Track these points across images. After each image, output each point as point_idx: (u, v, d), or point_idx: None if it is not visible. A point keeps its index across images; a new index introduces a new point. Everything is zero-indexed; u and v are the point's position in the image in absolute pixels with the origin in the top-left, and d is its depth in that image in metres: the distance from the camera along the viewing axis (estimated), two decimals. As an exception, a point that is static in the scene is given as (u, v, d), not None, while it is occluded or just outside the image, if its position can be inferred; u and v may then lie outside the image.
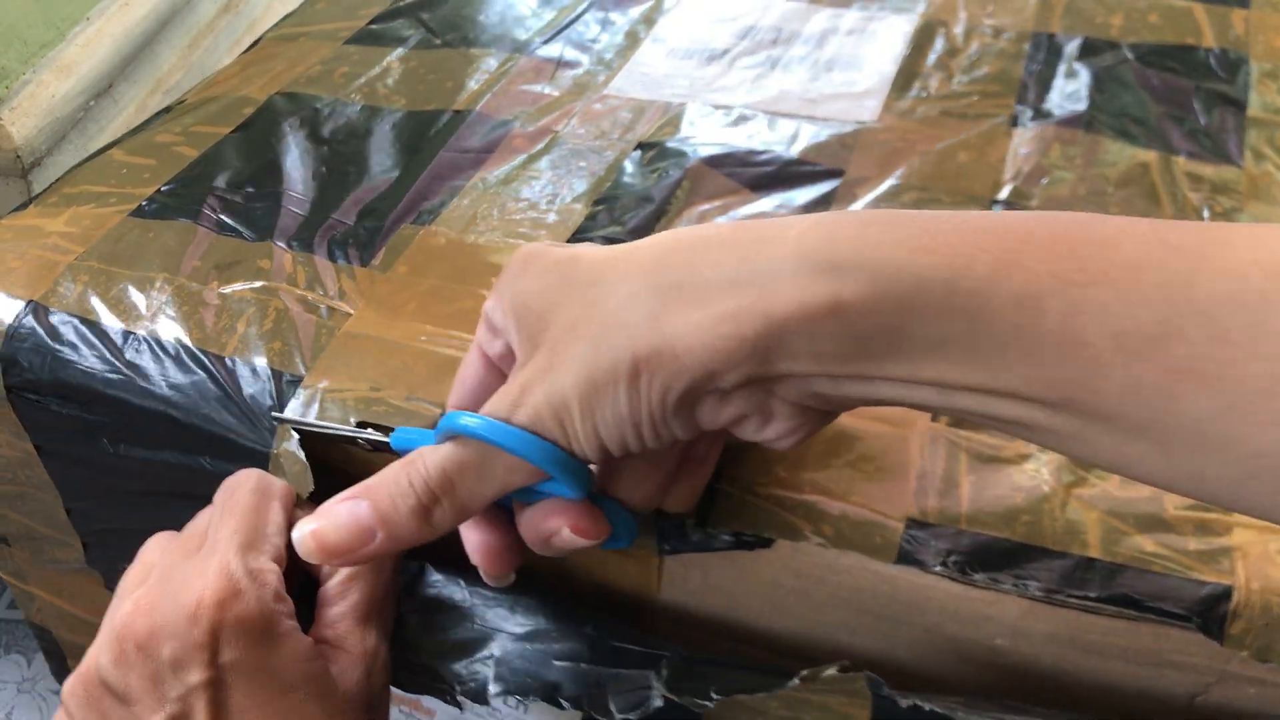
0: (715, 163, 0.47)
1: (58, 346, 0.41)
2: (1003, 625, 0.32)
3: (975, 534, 0.33)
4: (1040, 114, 0.49)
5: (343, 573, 0.34)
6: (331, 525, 0.29)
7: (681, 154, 0.48)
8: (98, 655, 0.31)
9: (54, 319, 0.42)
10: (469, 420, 0.29)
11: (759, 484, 0.34)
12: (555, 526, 0.30)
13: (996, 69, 0.53)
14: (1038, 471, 0.34)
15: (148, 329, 0.41)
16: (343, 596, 0.33)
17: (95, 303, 0.43)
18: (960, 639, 0.33)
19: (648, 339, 0.26)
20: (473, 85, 0.55)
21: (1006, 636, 0.33)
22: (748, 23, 0.58)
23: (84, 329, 0.42)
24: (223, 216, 0.47)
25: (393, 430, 0.34)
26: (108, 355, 0.41)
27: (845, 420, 0.36)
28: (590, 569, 0.37)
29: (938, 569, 0.32)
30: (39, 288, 0.43)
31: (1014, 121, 0.49)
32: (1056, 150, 0.47)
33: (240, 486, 0.35)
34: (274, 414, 0.38)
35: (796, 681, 0.31)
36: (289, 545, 0.32)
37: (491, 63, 0.56)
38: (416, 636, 0.36)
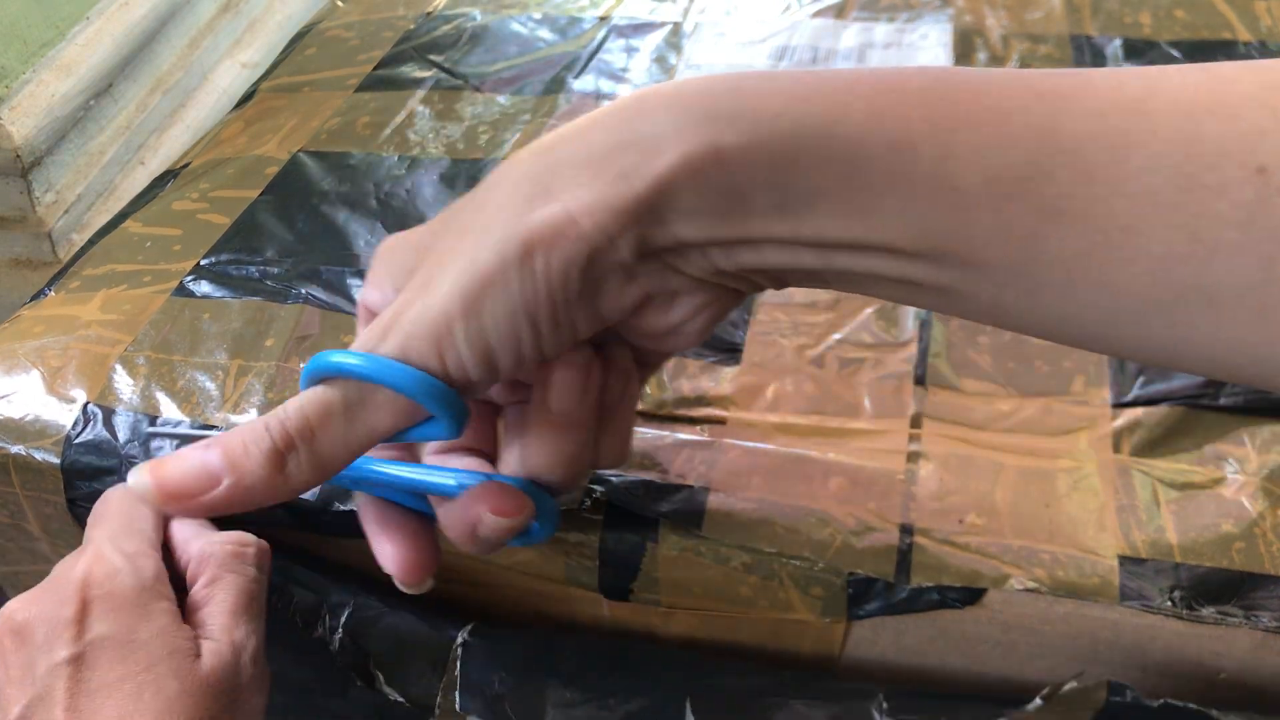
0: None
1: (129, 452, 0.37)
2: (1232, 660, 0.31)
3: (1193, 566, 0.31)
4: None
5: (204, 575, 0.32)
6: (173, 466, 0.26)
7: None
8: None
9: (118, 421, 0.38)
10: (335, 357, 0.26)
11: (955, 535, 0.32)
12: (476, 513, 0.28)
13: (1048, 75, 0.52)
14: (1237, 494, 0.33)
15: (229, 421, 0.37)
16: (209, 598, 0.32)
17: (162, 397, 0.39)
18: (1180, 676, 0.32)
19: (539, 213, 0.25)
20: (517, 130, 0.52)
21: (1233, 671, 0.31)
22: (779, 43, 0.57)
23: (158, 426, 0.38)
24: (282, 287, 0.43)
25: None
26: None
27: (1024, 460, 0.34)
28: (762, 639, 0.35)
29: (1164, 606, 0.30)
30: (93, 387, 0.39)
31: (1085, 128, 0.48)
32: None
33: (109, 497, 0.34)
34: (149, 429, 0.36)
35: (1039, 702, 0.29)
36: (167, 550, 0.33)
37: (527, 104, 0.53)
38: None
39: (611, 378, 0.30)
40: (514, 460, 0.29)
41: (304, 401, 0.26)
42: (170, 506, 0.27)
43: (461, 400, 0.26)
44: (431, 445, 0.31)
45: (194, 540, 0.33)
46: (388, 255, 0.29)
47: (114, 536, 0.32)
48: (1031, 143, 0.23)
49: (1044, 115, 0.23)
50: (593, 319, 0.27)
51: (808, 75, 0.25)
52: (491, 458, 0.31)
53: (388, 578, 0.30)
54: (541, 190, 0.25)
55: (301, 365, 0.39)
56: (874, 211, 0.24)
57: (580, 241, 0.25)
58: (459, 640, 0.33)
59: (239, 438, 0.26)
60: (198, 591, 0.32)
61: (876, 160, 0.24)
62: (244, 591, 0.32)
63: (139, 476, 0.27)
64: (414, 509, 0.30)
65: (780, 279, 0.27)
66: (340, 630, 0.33)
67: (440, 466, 0.30)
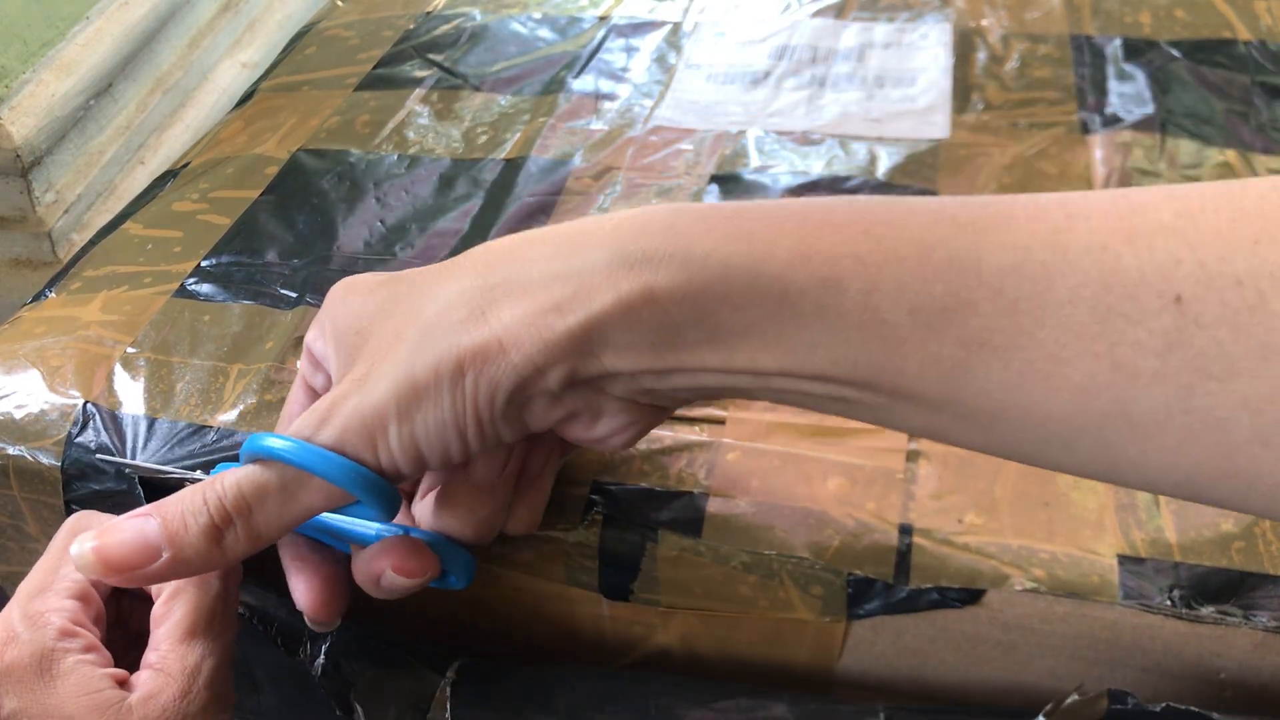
0: (804, 191, 0.45)
1: (129, 450, 0.37)
2: (1231, 660, 0.31)
3: (1193, 565, 0.31)
4: (1109, 119, 0.49)
5: (166, 590, 0.32)
6: (115, 539, 0.28)
7: (762, 185, 0.46)
8: None
9: (117, 422, 0.38)
10: (271, 441, 0.27)
11: (954, 534, 0.32)
12: (380, 567, 0.29)
13: (1048, 75, 0.52)
14: (1237, 493, 0.33)
15: (228, 422, 0.37)
16: (167, 615, 0.31)
17: (162, 399, 0.39)
18: (1180, 676, 0.32)
19: (472, 335, 0.26)
20: (517, 130, 0.52)
21: (1232, 670, 0.31)
22: (779, 42, 0.57)
23: (156, 428, 0.38)
24: (283, 290, 0.43)
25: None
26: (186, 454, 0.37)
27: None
28: (762, 639, 0.35)
29: (1164, 606, 0.30)
30: (93, 388, 0.39)
31: (1084, 127, 0.48)
32: (1138, 154, 0.46)
33: (60, 530, 0.33)
34: (125, 465, 0.36)
35: (1042, 719, 0.29)
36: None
37: (526, 104, 0.53)
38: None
39: (535, 452, 0.31)
40: (429, 517, 0.31)
41: (240, 480, 0.27)
42: (112, 579, 0.28)
43: (390, 488, 0.28)
44: None
45: None
46: (337, 307, 0.30)
47: (28, 597, 0.30)
48: (954, 277, 0.24)
49: (965, 248, 0.24)
50: (518, 430, 0.28)
51: (739, 211, 0.26)
52: (410, 496, 0.32)
53: (376, 605, 0.31)
54: (477, 312, 0.26)
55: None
56: (804, 344, 0.25)
57: (509, 369, 0.26)
58: (448, 678, 0.33)
59: (178, 509, 0.27)
60: (157, 609, 0.31)
61: (804, 296, 0.24)
62: (203, 609, 0.31)
63: (81, 549, 0.28)
64: (334, 547, 0.32)
65: (714, 397, 0.28)
66: (323, 656, 0.33)
67: (362, 521, 0.31)
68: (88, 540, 0.28)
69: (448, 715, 0.32)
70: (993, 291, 0.23)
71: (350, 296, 0.30)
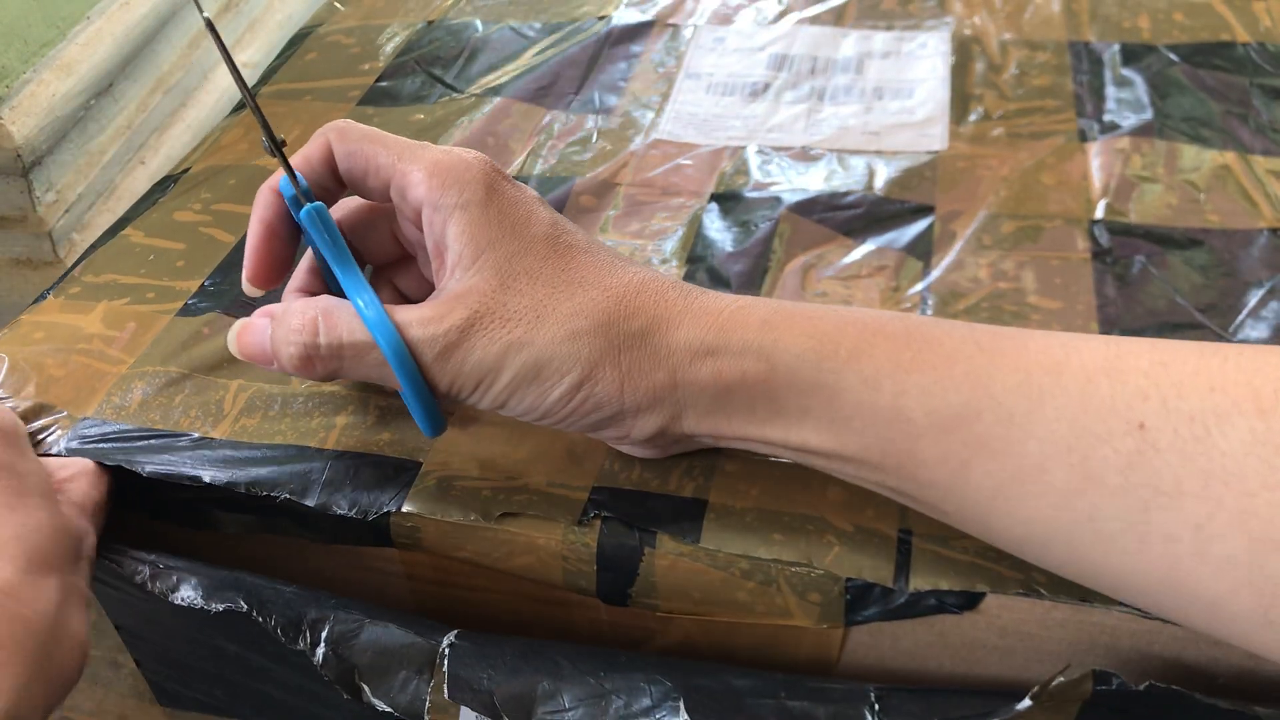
0: (803, 209, 0.45)
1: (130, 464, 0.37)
2: (1230, 665, 0.31)
3: (1190, 572, 0.31)
4: (1107, 126, 0.49)
5: (62, 473, 0.36)
6: (248, 339, 0.34)
7: (764, 203, 0.46)
8: None
9: (115, 436, 0.38)
10: (388, 335, 0.31)
11: (953, 539, 0.32)
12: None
13: (1046, 83, 0.52)
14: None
15: (231, 432, 0.38)
16: (83, 495, 0.35)
17: (161, 414, 0.39)
18: (1179, 681, 0.32)
19: (601, 363, 0.31)
20: (520, 139, 0.52)
21: (1231, 676, 0.31)
22: (777, 51, 0.57)
23: (155, 441, 0.38)
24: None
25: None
26: (186, 468, 0.37)
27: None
28: (760, 644, 0.35)
29: (1161, 613, 0.31)
30: (92, 402, 0.39)
31: (1082, 136, 0.49)
32: (1137, 162, 0.46)
33: None
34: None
35: (1028, 702, 0.29)
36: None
37: (528, 118, 0.54)
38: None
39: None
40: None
41: (342, 333, 0.32)
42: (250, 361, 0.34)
43: (443, 420, 0.34)
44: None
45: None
46: (495, 190, 0.33)
47: None
48: (968, 389, 0.28)
49: (981, 367, 0.28)
50: (581, 430, 0.33)
51: (817, 315, 0.31)
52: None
53: (369, 588, 0.33)
54: (617, 345, 0.31)
55: (302, 384, 0.39)
56: (846, 430, 0.30)
57: (611, 402, 0.31)
58: (445, 643, 0.33)
59: (282, 332, 0.33)
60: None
61: (851, 390, 0.29)
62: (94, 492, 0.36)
63: (232, 334, 0.34)
64: (287, 243, 0.36)
65: (752, 452, 0.34)
66: (323, 644, 0.33)
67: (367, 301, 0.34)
68: (234, 330, 0.34)
69: (445, 672, 0.32)
70: (995, 404, 0.28)
71: (523, 199, 0.33)
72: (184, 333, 0.42)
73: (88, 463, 0.36)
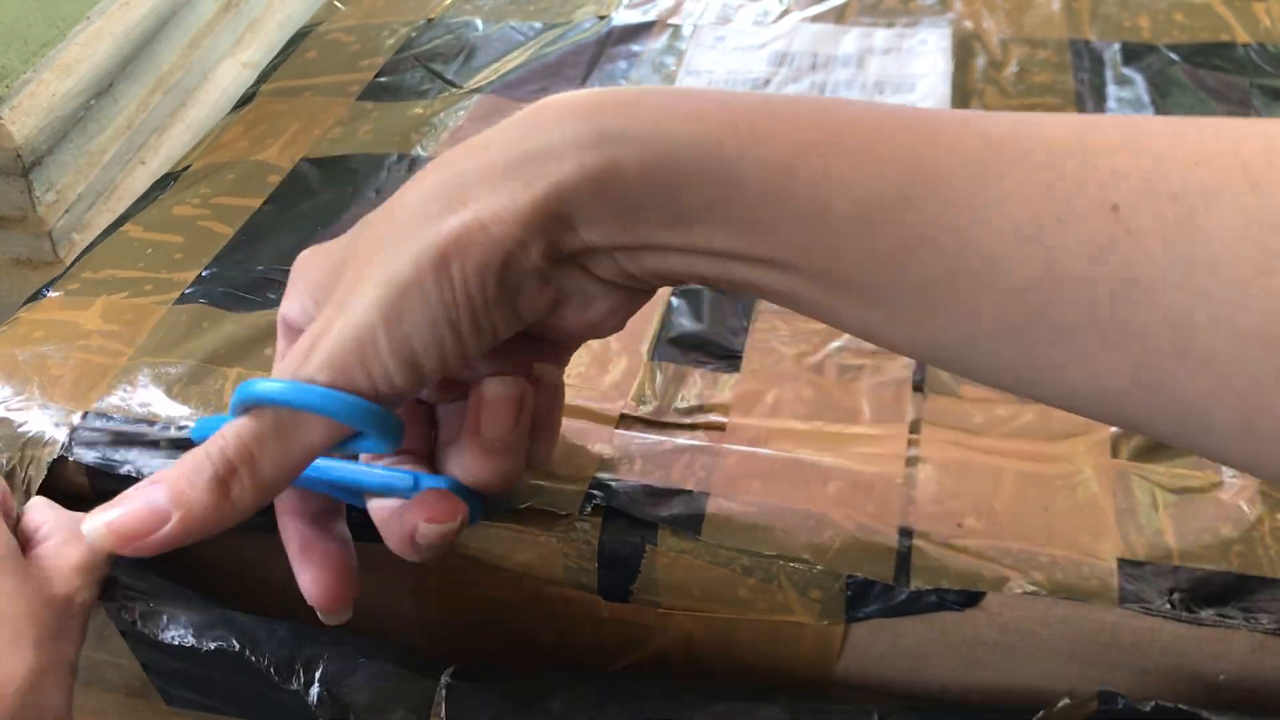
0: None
1: (125, 457, 0.37)
2: (1231, 662, 0.31)
3: (1192, 569, 0.31)
4: (1108, 123, 0.49)
5: (40, 531, 0.33)
6: (123, 510, 0.27)
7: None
8: None
9: (116, 432, 0.38)
10: (261, 385, 0.27)
11: (954, 538, 0.32)
12: (413, 522, 0.29)
13: (1047, 80, 0.52)
14: (1235, 499, 0.33)
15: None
16: (58, 554, 0.32)
17: (161, 408, 0.39)
18: (1179, 679, 0.32)
19: (450, 223, 0.26)
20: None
21: (1232, 673, 0.31)
22: (778, 48, 0.57)
23: (156, 431, 0.38)
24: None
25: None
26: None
27: (1023, 464, 0.34)
28: (760, 641, 0.35)
29: (1163, 608, 0.31)
30: (93, 397, 0.39)
31: (1083, 132, 0.48)
32: (1137, 159, 0.46)
33: None
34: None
35: None
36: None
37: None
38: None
39: (541, 398, 0.31)
40: (449, 471, 0.31)
41: (239, 427, 0.27)
42: (126, 549, 0.27)
43: (390, 415, 0.27)
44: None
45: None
46: (305, 268, 0.30)
47: None
48: (899, 174, 0.24)
49: (914, 149, 0.24)
50: (512, 320, 0.28)
51: (704, 96, 0.27)
52: (426, 458, 0.32)
53: (368, 587, 0.31)
54: (451, 201, 0.26)
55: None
56: (755, 227, 0.26)
57: (493, 246, 0.26)
58: (442, 683, 0.33)
59: (181, 471, 0.27)
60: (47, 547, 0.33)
61: (755, 179, 0.25)
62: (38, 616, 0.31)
63: (92, 524, 0.27)
64: (338, 541, 0.32)
65: (686, 283, 0.29)
66: (317, 684, 0.33)
67: (394, 469, 0.31)
68: (99, 515, 0.27)
69: (442, 714, 0.32)
70: (933, 190, 0.24)
71: (316, 252, 0.30)
72: (182, 323, 0.42)
73: (71, 514, 0.34)
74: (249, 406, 0.27)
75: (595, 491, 0.34)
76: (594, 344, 0.40)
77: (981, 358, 0.25)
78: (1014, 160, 0.24)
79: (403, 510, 0.29)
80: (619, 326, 0.30)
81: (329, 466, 0.31)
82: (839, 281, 0.26)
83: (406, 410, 0.32)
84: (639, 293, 0.29)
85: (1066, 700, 0.29)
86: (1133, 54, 0.54)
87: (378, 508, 0.31)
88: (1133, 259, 0.22)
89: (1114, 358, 0.23)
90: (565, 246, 0.27)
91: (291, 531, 0.31)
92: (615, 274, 0.28)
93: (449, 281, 0.26)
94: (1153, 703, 0.29)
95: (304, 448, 0.27)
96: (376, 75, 0.58)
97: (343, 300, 0.27)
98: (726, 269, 0.27)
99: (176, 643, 0.34)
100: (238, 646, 0.33)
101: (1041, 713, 0.29)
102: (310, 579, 0.31)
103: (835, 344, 0.39)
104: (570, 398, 0.37)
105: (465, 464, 0.30)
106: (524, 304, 0.28)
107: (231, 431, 0.27)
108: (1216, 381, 0.22)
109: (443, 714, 0.32)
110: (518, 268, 0.27)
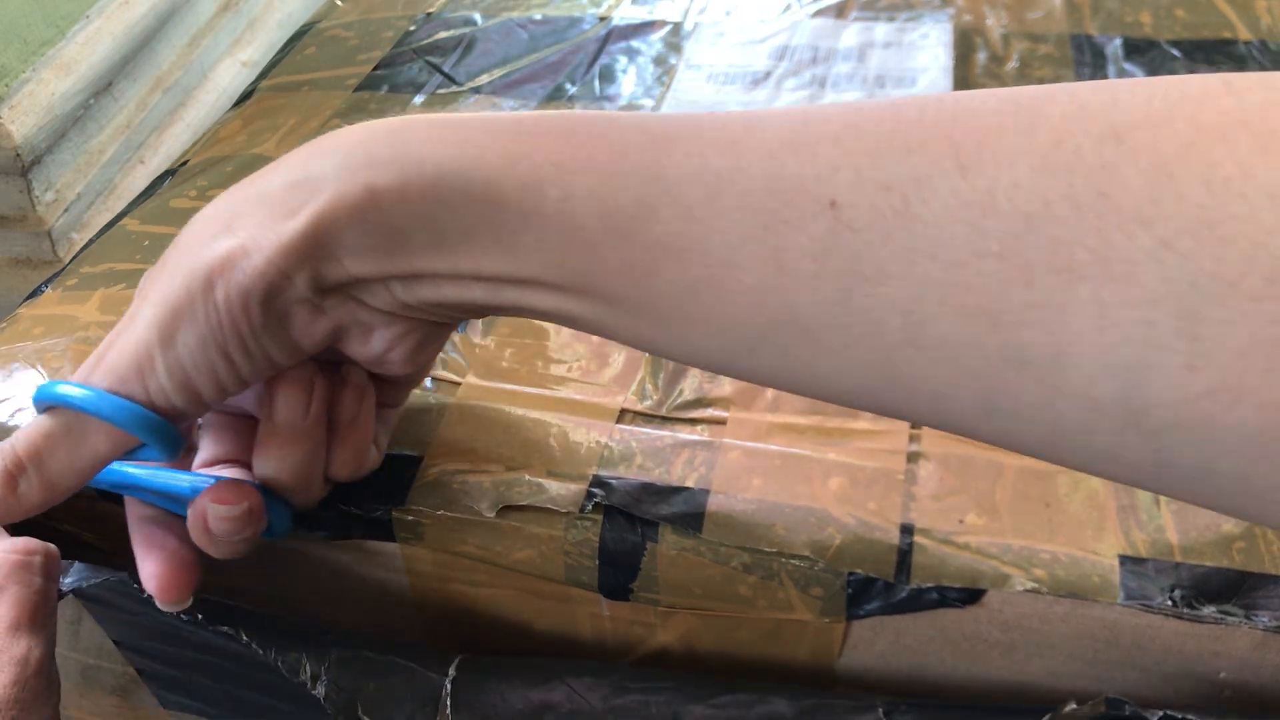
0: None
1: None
2: (1231, 659, 0.31)
3: (1194, 565, 0.31)
4: (1109, 118, 0.49)
5: None
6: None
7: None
8: None
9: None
10: (58, 387, 0.28)
11: (955, 535, 0.32)
12: (202, 507, 0.30)
13: (1048, 74, 0.52)
14: (1238, 492, 0.33)
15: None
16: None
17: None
18: (1179, 676, 0.32)
19: (217, 248, 0.27)
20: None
21: (1233, 670, 0.31)
22: (779, 43, 0.57)
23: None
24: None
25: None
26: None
27: (1024, 461, 0.34)
28: (761, 639, 0.35)
29: (1165, 606, 0.30)
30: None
31: (1085, 127, 0.48)
32: (1139, 154, 0.46)
33: None
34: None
35: None
36: None
37: (527, 108, 0.53)
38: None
39: (345, 395, 0.32)
40: (254, 467, 0.31)
41: (32, 429, 0.28)
42: None
43: (171, 427, 0.28)
44: (201, 458, 0.33)
45: None
46: (142, 283, 0.31)
47: None
48: (640, 184, 0.25)
49: (652, 157, 0.25)
50: (288, 349, 0.28)
51: (464, 122, 0.27)
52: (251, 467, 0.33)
53: (371, 585, 0.31)
54: (224, 227, 0.27)
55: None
56: (517, 248, 0.26)
57: (254, 273, 0.26)
58: (449, 675, 0.33)
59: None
60: None
61: (511, 202, 0.25)
62: (26, 603, 0.31)
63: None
64: (177, 537, 0.32)
65: (466, 311, 0.29)
66: (324, 676, 0.33)
67: (180, 471, 0.32)
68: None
69: (448, 712, 0.32)
70: (672, 199, 0.24)
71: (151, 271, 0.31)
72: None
73: (15, 558, 0.31)
74: (48, 406, 0.28)
75: (596, 490, 0.34)
76: (592, 338, 0.40)
77: (746, 362, 0.26)
78: (741, 164, 0.24)
79: (199, 498, 0.30)
80: (410, 362, 0.30)
81: (128, 472, 0.32)
82: (602, 296, 0.26)
83: (234, 422, 0.33)
84: (427, 324, 0.30)
85: (1073, 705, 0.29)
86: (1134, 49, 0.53)
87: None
88: (857, 252, 0.22)
89: (857, 353, 0.23)
90: (331, 277, 0.27)
91: (135, 526, 0.32)
92: (392, 304, 0.28)
93: (214, 306, 0.27)
94: (1161, 713, 0.28)
95: (91, 451, 0.29)
96: (375, 68, 0.58)
97: (133, 314, 0.28)
98: (499, 293, 0.27)
99: (185, 636, 0.34)
100: (245, 639, 0.33)
101: (1048, 717, 0.29)
102: (149, 571, 0.31)
103: (836, 340, 0.39)
104: (570, 392, 0.37)
105: (260, 457, 0.31)
106: (298, 333, 0.28)
107: (24, 432, 0.29)
108: (952, 366, 0.22)
109: (449, 708, 0.32)
110: (283, 296, 0.27)
